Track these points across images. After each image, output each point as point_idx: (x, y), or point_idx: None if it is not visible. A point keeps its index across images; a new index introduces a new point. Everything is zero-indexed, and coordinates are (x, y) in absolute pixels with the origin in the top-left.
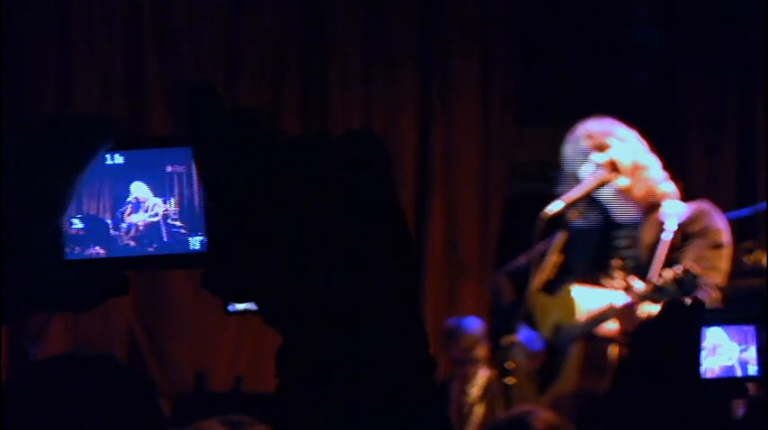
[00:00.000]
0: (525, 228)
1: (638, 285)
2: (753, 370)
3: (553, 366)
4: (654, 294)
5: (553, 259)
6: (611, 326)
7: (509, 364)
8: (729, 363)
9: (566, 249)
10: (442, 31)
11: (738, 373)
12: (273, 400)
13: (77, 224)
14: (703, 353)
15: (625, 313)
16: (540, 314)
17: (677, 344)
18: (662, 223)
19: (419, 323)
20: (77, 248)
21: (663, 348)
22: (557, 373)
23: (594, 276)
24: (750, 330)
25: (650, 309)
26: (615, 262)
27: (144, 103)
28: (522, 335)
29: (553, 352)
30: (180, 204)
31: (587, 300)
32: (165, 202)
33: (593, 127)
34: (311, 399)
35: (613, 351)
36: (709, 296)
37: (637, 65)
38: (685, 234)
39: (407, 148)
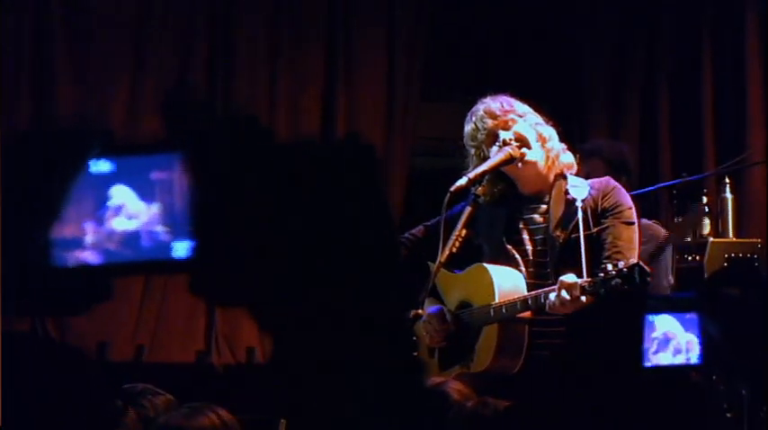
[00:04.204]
0: (427, 203)
1: (570, 279)
2: (695, 358)
3: (457, 341)
4: (595, 287)
5: (460, 233)
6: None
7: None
8: (679, 352)
9: (473, 224)
10: (348, 6)
11: (683, 361)
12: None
13: (61, 229)
14: (655, 343)
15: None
16: (445, 288)
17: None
18: (570, 200)
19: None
20: (63, 254)
21: (606, 335)
22: (466, 351)
23: (503, 250)
24: (693, 318)
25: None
26: (526, 237)
27: (51, 79)
28: (430, 310)
29: (458, 327)
30: (163, 210)
31: (503, 278)
32: (148, 208)
33: (494, 106)
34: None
35: (527, 331)
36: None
37: (542, 45)
38: (598, 209)
39: (311, 123)
